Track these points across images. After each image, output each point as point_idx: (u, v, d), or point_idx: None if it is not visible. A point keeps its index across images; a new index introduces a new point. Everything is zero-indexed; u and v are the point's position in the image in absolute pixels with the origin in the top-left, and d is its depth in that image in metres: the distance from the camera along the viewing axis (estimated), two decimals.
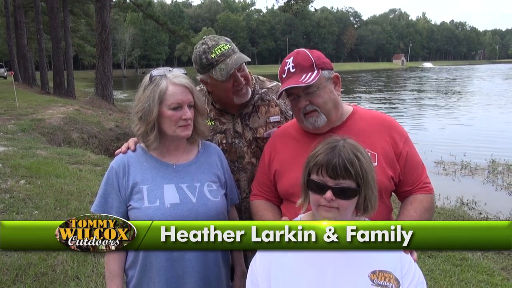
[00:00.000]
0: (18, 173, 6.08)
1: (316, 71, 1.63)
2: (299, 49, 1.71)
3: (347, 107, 1.78)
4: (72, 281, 3.36)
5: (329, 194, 1.30)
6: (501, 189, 8.51)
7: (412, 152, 1.72)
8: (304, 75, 1.61)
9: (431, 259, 4.21)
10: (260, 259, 1.40)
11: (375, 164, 1.60)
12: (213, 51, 1.90)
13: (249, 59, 1.96)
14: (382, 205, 1.60)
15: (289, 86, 1.61)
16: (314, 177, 1.34)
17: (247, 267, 1.90)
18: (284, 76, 1.67)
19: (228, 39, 1.98)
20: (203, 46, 1.93)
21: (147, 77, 1.67)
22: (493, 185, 8.76)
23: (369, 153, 1.57)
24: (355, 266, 1.31)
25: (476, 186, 8.66)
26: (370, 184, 1.33)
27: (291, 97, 1.68)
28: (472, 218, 6.41)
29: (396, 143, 1.69)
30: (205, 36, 1.99)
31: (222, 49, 1.91)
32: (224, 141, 2.06)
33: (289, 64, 1.66)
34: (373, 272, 1.29)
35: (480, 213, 6.97)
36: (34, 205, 4.90)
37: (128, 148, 1.74)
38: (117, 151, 1.75)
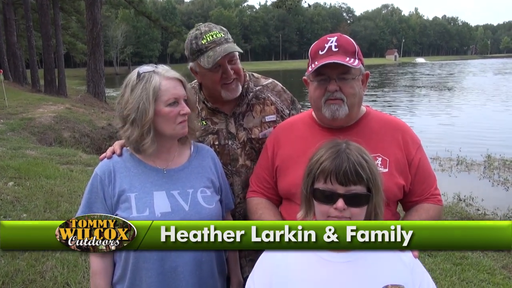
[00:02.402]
0: (7, 174, 5.91)
1: (357, 60, 1.53)
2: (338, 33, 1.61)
3: (361, 108, 1.68)
4: None
5: (340, 203, 1.20)
6: (498, 184, 8.50)
7: (424, 161, 1.62)
8: (348, 58, 1.51)
9: (431, 258, 4.15)
10: (259, 277, 1.29)
11: (386, 170, 1.51)
12: (204, 37, 1.78)
13: (240, 50, 1.84)
14: (389, 213, 1.51)
15: (335, 61, 1.48)
16: (320, 185, 1.24)
17: (242, 276, 1.82)
18: (322, 52, 1.53)
19: (224, 29, 1.86)
20: (196, 32, 1.82)
21: (133, 76, 1.53)
22: (489, 181, 8.73)
23: (381, 158, 1.46)
24: (365, 283, 1.22)
25: (473, 181, 8.63)
26: (380, 188, 1.25)
27: (321, 77, 1.55)
28: (469, 215, 6.37)
29: (409, 149, 1.59)
30: (200, 23, 1.87)
31: (214, 36, 1.79)
32: (216, 143, 1.92)
33: (331, 42, 1.53)
34: (385, 287, 1.20)
35: (478, 210, 6.92)
36: (23, 207, 4.75)
37: (114, 152, 1.61)
38: (101, 156, 1.62)
